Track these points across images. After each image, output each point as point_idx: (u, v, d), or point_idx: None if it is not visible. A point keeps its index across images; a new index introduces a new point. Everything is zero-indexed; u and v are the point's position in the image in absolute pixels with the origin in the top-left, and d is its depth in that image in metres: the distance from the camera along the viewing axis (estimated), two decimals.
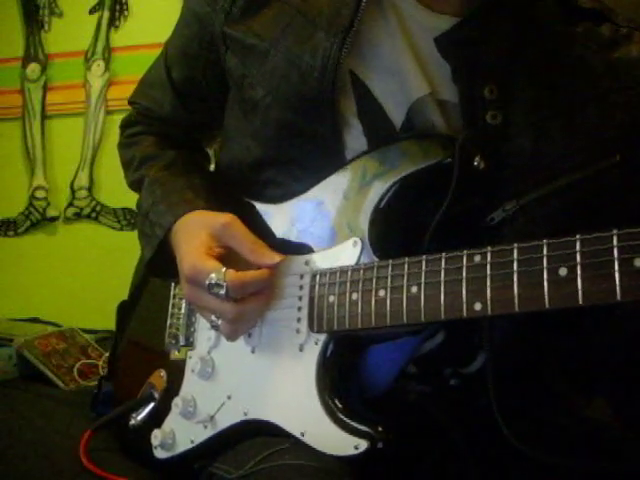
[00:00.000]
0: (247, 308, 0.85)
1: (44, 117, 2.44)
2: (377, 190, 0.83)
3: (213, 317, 0.87)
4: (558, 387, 0.90)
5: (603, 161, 0.84)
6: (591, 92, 0.86)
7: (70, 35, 2.45)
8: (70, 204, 2.40)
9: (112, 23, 2.41)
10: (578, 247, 0.64)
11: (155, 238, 0.96)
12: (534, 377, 0.88)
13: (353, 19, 0.87)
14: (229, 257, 0.87)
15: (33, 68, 2.45)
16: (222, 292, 0.82)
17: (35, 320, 2.00)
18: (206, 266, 0.84)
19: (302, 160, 0.91)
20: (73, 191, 2.40)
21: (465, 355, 0.88)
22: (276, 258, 0.86)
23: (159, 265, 0.99)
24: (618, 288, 0.62)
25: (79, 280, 2.32)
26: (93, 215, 2.37)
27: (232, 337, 0.88)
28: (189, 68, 1.05)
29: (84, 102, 2.39)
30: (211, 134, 1.16)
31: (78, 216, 2.39)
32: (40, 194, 2.43)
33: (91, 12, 2.43)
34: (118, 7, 2.40)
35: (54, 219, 2.42)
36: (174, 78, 1.07)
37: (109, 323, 1.22)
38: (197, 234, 0.88)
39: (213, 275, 0.82)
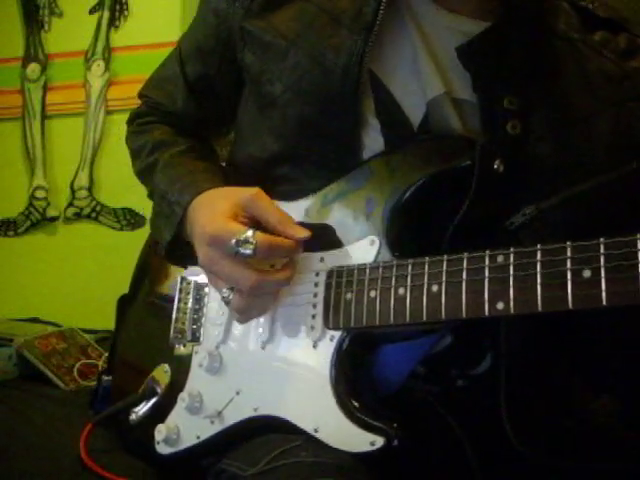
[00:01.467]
0: (268, 280, 0.82)
1: (44, 117, 2.44)
2: (395, 191, 0.83)
3: (225, 289, 0.84)
4: (566, 387, 0.90)
5: (621, 168, 0.84)
6: (609, 100, 0.87)
7: (70, 35, 2.45)
8: (70, 204, 2.40)
9: (112, 23, 2.41)
10: (602, 250, 0.65)
11: (175, 217, 0.94)
12: (544, 378, 0.88)
13: (375, 17, 0.88)
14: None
15: (33, 68, 2.45)
16: (249, 251, 0.79)
17: (35, 320, 2.00)
18: (233, 227, 0.81)
19: (318, 157, 0.91)
20: (73, 191, 2.40)
21: (473, 356, 0.88)
22: (304, 232, 0.84)
23: (178, 250, 0.98)
24: None
25: (79, 280, 2.32)
26: (93, 215, 2.38)
27: (243, 314, 0.86)
28: (204, 64, 1.05)
29: (84, 102, 2.39)
30: (220, 131, 1.16)
31: (78, 216, 2.40)
32: (40, 194, 2.43)
33: (91, 12, 2.43)
34: (118, 7, 2.40)
35: (54, 219, 2.42)
36: (188, 73, 1.07)
37: (109, 323, 1.22)
38: (221, 204, 0.86)
39: (241, 233, 0.80)
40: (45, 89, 2.45)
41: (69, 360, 1.63)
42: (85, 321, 1.88)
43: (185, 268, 1.04)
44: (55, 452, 1.04)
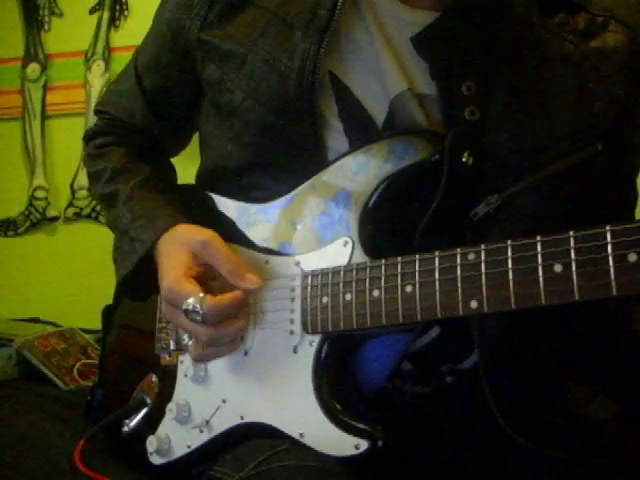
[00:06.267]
0: (223, 332, 0.85)
1: (44, 117, 2.44)
2: (365, 189, 0.83)
3: (185, 337, 0.88)
4: (556, 381, 0.90)
5: (584, 151, 0.84)
6: (569, 82, 0.86)
7: (70, 35, 2.45)
8: (70, 204, 2.40)
9: (112, 23, 2.41)
10: (572, 244, 0.65)
11: (135, 254, 0.95)
12: (530, 371, 0.88)
13: (330, 19, 0.88)
14: (209, 274, 0.88)
15: (33, 68, 2.45)
16: (198, 318, 0.82)
17: (35, 320, 2.01)
18: (183, 290, 0.84)
19: (284, 163, 0.91)
20: (73, 191, 2.40)
21: (461, 349, 0.88)
22: (255, 281, 0.85)
23: (134, 285, 0.99)
24: (614, 283, 0.63)
25: (79, 280, 2.32)
26: (93, 215, 2.38)
27: (200, 361, 0.90)
28: (162, 77, 1.05)
29: (84, 102, 2.39)
30: (180, 144, 1.16)
31: (78, 216, 2.39)
32: (40, 194, 2.43)
33: (91, 12, 2.43)
34: (118, 7, 2.40)
35: (54, 219, 2.42)
36: (146, 87, 1.07)
37: None
38: (177, 251, 0.88)
39: (190, 300, 0.82)
40: (45, 89, 2.45)
41: (69, 360, 1.63)
42: (85, 321, 1.88)
43: (143, 301, 1.05)
44: (55, 452, 1.04)
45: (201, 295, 0.82)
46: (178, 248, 0.89)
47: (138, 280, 0.98)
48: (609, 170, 0.87)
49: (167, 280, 0.86)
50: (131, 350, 1.08)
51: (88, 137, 1.15)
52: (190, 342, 0.88)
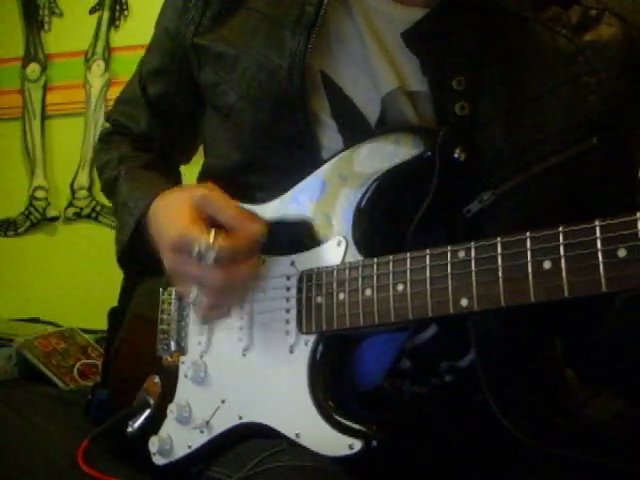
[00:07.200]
0: (236, 275, 0.83)
1: (44, 117, 2.45)
2: (357, 188, 0.83)
3: (194, 290, 0.85)
4: (555, 380, 0.90)
5: (579, 145, 0.84)
6: (562, 77, 0.86)
7: (70, 35, 2.46)
8: (70, 204, 2.40)
9: (112, 23, 2.41)
10: (561, 240, 0.64)
11: (131, 218, 0.96)
12: (529, 369, 0.88)
13: (317, 15, 0.88)
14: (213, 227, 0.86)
15: (33, 68, 2.46)
16: (212, 258, 0.80)
17: (35, 320, 2.01)
18: (194, 232, 0.82)
19: (280, 163, 0.91)
20: (73, 191, 2.40)
21: (459, 346, 0.88)
22: (260, 222, 0.84)
23: (133, 257, 0.99)
24: (603, 279, 0.62)
25: (79, 280, 2.32)
26: (93, 215, 2.38)
27: (211, 313, 0.88)
28: (163, 84, 1.06)
29: (84, 102, 2.40)
30: (187, 152, 1.17)
31: (78, 216, 2.40)
32: (40, 194, 2.43)
33: (91, 12, 2.43)
34: (118, 7, 2.40)
35: (54, 219, 2.43)
36: (149, 94, 1.08)
37: None
38: (178, 209, 0.87)
39: (203, 240, 0.80)
40: (45, 89, 2.45)
41: (69, 360, 1.63)
42: (85, 321, 1.88)
43: (141, 276, 1.05)
44: (55, 452, 1.04)
45: (213, 232, 0.81)
46: (178, 206, 0.87)
47: (136, 250, 0.97)
48: (607, 165, 0.86)
49: (175, 228, 0.84)
50: (142, 344, 1.08)
51: (100, 137, 1.17)
52: (197, 299, 0.85)
